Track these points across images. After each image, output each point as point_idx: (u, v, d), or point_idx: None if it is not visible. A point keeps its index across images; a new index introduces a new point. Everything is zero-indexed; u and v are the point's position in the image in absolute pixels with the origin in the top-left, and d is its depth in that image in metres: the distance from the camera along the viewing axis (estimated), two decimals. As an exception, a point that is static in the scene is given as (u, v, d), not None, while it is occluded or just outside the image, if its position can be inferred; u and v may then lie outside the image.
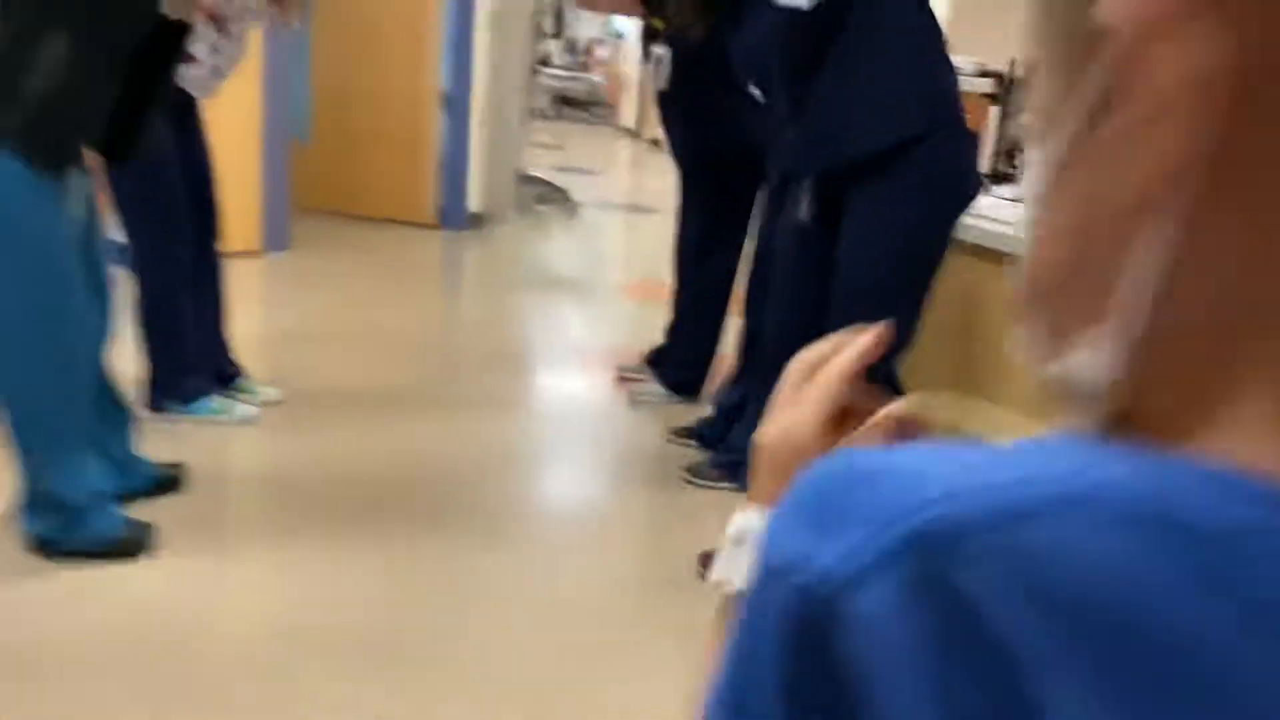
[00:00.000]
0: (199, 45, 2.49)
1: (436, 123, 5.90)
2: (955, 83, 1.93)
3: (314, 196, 5.89)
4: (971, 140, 1.95)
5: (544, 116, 7.60)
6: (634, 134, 14.41)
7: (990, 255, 2.22)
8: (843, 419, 0.53)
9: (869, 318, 1.53)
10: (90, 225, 2.15)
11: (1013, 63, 3.30)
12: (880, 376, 1.89)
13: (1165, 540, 0.25)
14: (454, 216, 6.08)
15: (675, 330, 3.46)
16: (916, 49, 1.85)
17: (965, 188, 1.91)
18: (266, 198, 4.92)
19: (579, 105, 7.00)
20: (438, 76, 5.83)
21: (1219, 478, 0.26)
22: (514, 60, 6.31)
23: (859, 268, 1.90)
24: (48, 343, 2.01)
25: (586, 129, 11.37)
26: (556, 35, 10.35)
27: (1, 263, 1.94)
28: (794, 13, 1.81)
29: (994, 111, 2.97)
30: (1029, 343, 0.33)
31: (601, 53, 17.34)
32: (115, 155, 2.16)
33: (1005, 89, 3.16)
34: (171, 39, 2.14)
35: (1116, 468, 0.27)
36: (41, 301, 1.99)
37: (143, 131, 2.16)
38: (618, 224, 7.37)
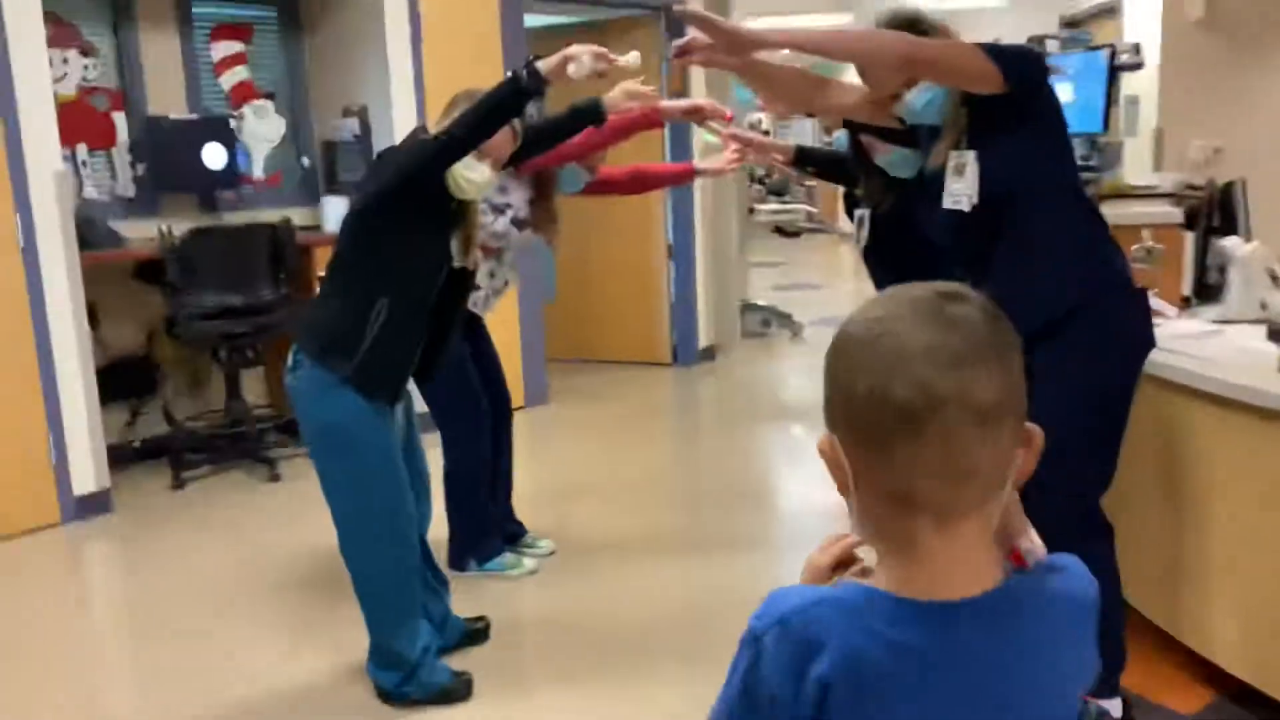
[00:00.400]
0: (480, 274, 3.08)
1: (665, 271, 6.46)
2: (1117, 252, 2.15)
3: (563, 348, 6.57)
4: (1140, 299, 2.15)
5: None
6: (853, 238, 14.60)
7: (1184, 390, 2.38)
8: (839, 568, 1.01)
9: (1066, 467, 1.82)
10: (410, 432, 2.72)
11: (1210, 182, 3.40)
12: (1075, 514, 2.10)
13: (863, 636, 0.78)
14: (687, 352, 6.58)
15: None
16: (1077, 232, 2.09)
17: (1137, 344, 2.12)
18: (525, 358, 5.58)
19: (791, 235, 7.42)
20: (664, 231, 6.41)
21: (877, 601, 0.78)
22: (729, 206, 6.82)
23: (1049, 420, 2.13)
24: (387, 531, 2.55)
25: (808, 240, 11.79)
26: (765, 179, 11.13)
27: (350, 470, 2.51)
28: (959, 213, 2.13)
29: (1190, 236, 3.10)
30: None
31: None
32: (424, 377, 2.73)
33: (1206, 208, 3.27)
34: (461, 280, 2.70)
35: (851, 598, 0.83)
36: (381, 498, 2.54)
37: (444, 355, 2.72)
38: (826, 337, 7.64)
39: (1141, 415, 2.52)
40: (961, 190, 2.09)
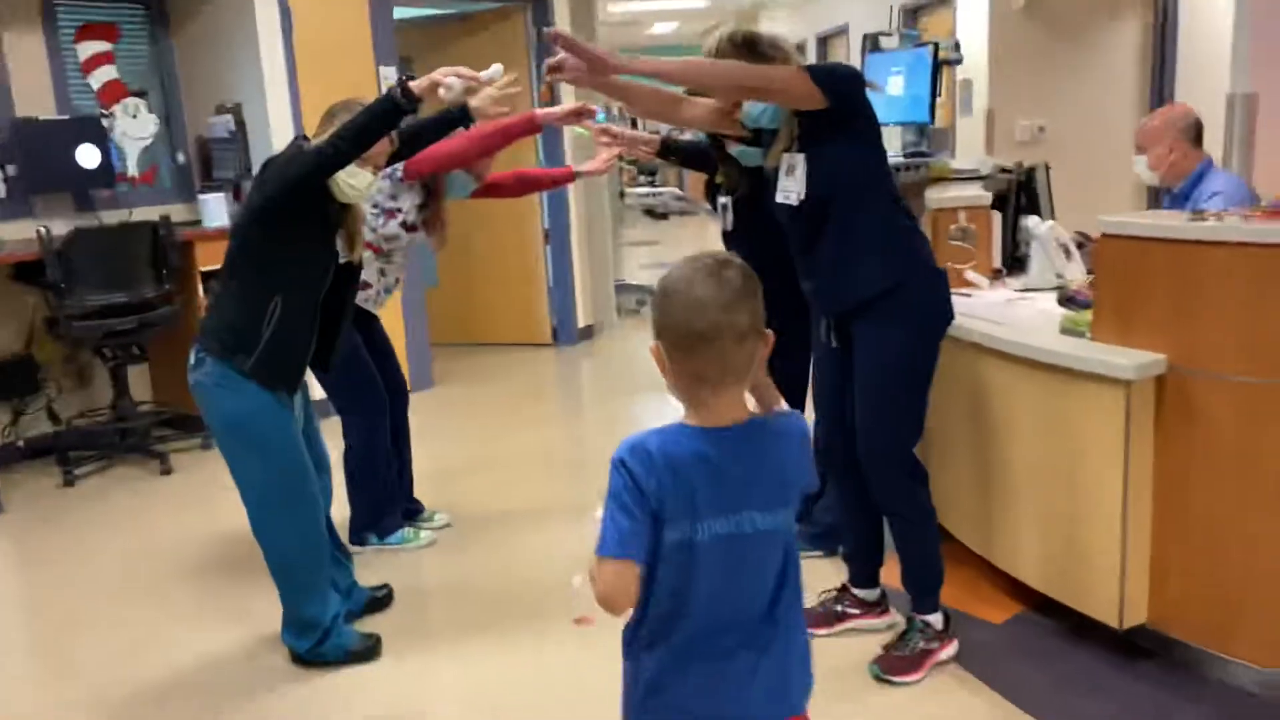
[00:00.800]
0: (369, 272, 3.31)
1: (543, 255, 6.74)
2: (923, 241, 2.55)
3: (447, 332, 6.78)
4: (940, 281, 2.55)
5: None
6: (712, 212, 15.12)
7: (991, 351, 2.81)
8: None
9: (880, 418, 2.23)
10: (308, 418, 2.94)
11: (1018, 166, 3.88)
12: (894, 460, 2.50)
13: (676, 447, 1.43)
14: (566, 332, 6.87)
15: None
16: (887, 227, 2.47)
17: (937, 318, 2.53)
18: (410, 343, 5.78)
19: (661, 216, 7.81)
20: (540, 217, 6.68)
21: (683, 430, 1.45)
22: (601, 191, 7.12)
23: (867, 382, 2.53)
24: (294, 509, 2.77)
25: (677, 221, 12.23)
26: (634, 161, 11.61)
27: (258, 458, 2.72)
28: (790, 205, 2.49)
29: (998, 216, 3.56)
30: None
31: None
32: (321, 366, 2.95)
33: (1014, 191, 3.74)
34: (348, 275, 2.92)
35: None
36: (287, 480, 2.76)
37: (337, 346, 2.94)
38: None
39: (954, 373, 2.96)
40: (791, 187, 2.45)
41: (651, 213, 7.46)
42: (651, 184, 7.84)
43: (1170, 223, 2.38)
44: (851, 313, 2.54)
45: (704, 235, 12.97)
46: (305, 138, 2.82)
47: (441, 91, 2.61)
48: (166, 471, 4.59)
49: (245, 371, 2.60)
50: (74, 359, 5.02)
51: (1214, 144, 3.72)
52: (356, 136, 2.55)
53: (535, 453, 4.73)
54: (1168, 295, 2.38)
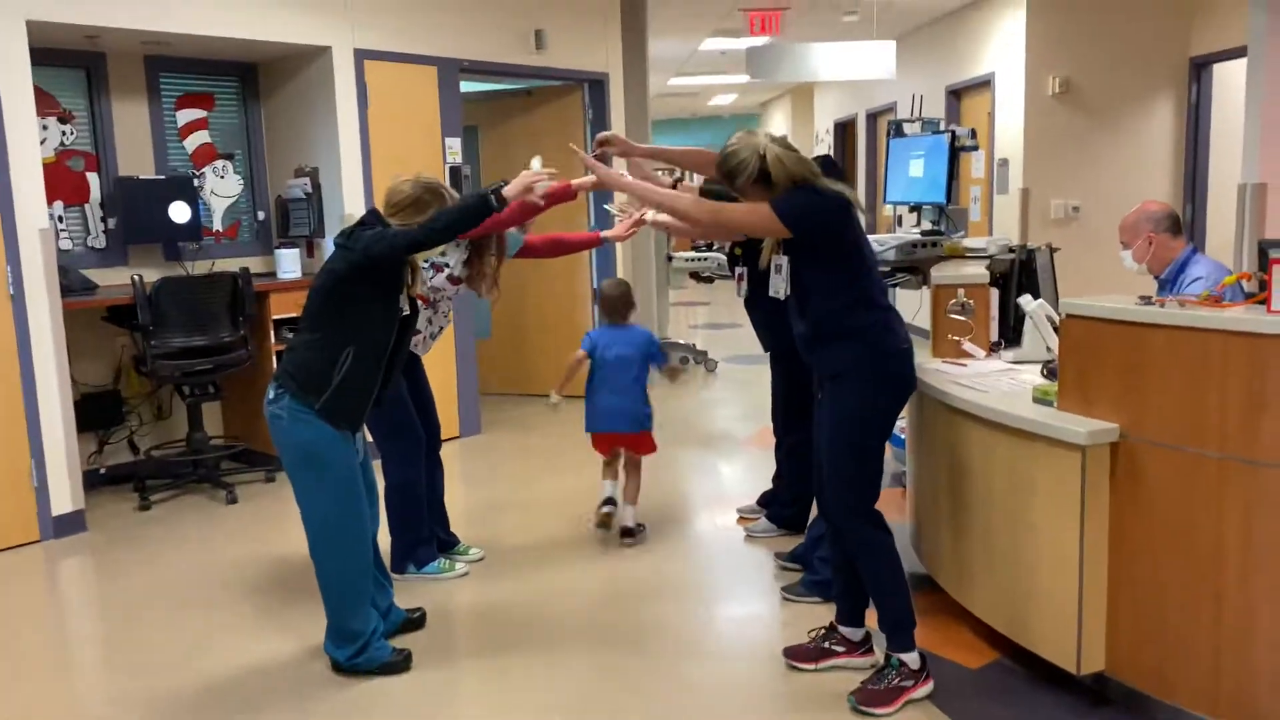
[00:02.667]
0: (419, 320, 3.70)
1: (591, 313, 7.13)
2: (888, 331, 2.86)
3: (498, 383, 7.19)
4: (903, 362, 2.88)
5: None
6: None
7: (972, 419, 3.08)
8: None
9: (837, 473, 2.59)
10: (364, 453, 3.31)
11: (1020, 248, 4.16)
12: (852, 512, 2.80)
13: None
14: (610, 387, 7.22)
15: (779, 476, 4.39)
16: (856, 322, 2.82)
17: (893, 393, 2.89)
18: (460, 392, 6.19)
19: (705, 280, 8.18)
20: (589, 277, 7.09)
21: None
22: (647, 255, 7.52)
23: (826, 440, 2.87)
24: (350, 533, 3.13)
25: (720, 285, 12.63)
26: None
27: (321, 483, 3.09)
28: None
29: (995, 293, 3.84)
30: None
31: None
32: (375, 401, 3.33)
33: (1013, 270, 4.02)
34: (406, 327, 3.31)
35: None
36: (346, 508, 3.13)
37: (389, 388, 3.32)
38: (748, 376, 8.37)
39: (940, 434, 3.24)
40: (779, 284, 2.85)
41: (697, 276, 7.81)
42: (698, 249, 8.27)
43: (1120, 306, 2.66)
44: (825, 376, 2.88)
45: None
46: (378, 213, 3.19)
47: (537, 190, 3.27)
48: (232, 501, 5.01)
49: (316, 409, 2.99)
50: (155, 395, 5.51)
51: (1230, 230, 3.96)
52: (448, 229, 3.01)
53: (569, 496, 5.07)
54: (1119, 371, 2.65)
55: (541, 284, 7.22)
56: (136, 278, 4.82)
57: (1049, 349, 3.59)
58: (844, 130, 11.93)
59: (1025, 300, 3.69)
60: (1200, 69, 7.17)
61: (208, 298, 5.05)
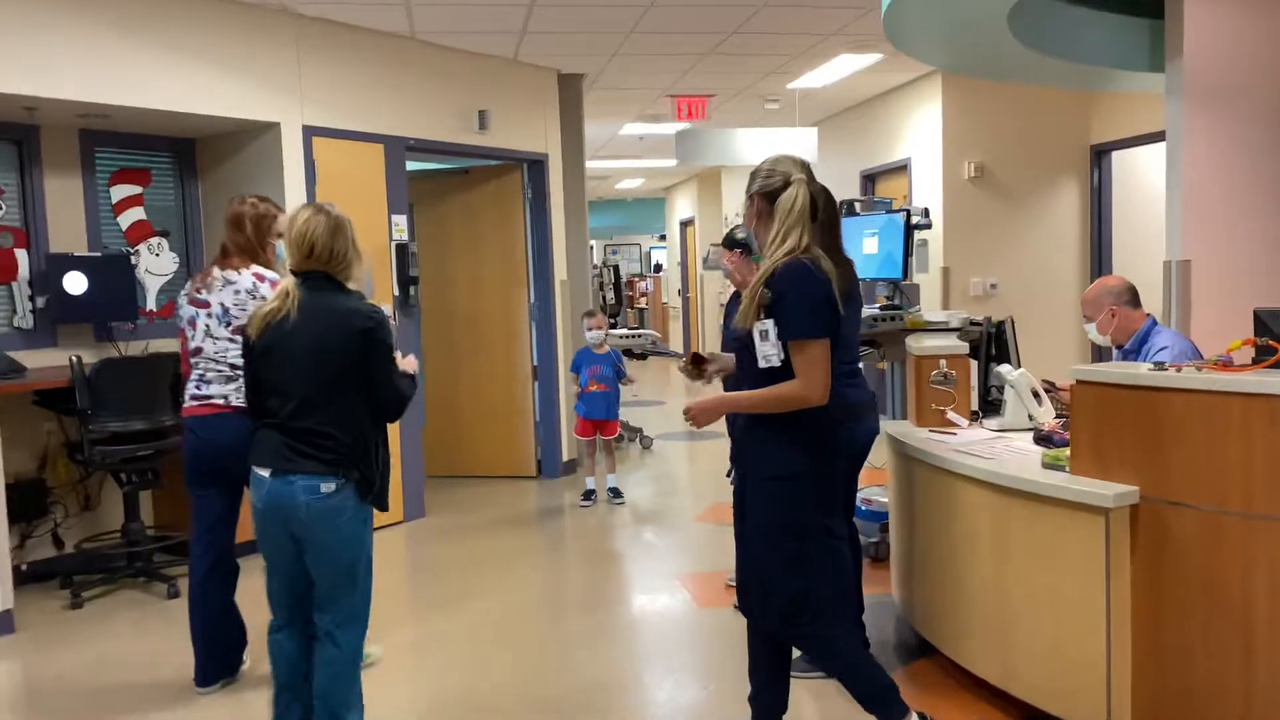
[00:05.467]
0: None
1: (530, 392, 7.05)
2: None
3: (440, 465, 7.00)
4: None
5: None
6: (682, 355, 15.64)
7: (980, 484, 3.15)
8: None
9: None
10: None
11: (987, 320, 4.32)
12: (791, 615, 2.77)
13: None
14: (550, 466, 7.13)
15: None
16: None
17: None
18: (405, 477, 6.00)
19: (639, 357, 8.22)
20: (529, 355, 7.03)
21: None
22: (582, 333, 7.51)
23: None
24: (371, 570, 3.01)
25: (653, 361, 12.80)
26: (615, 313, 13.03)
27: (370, 556, 2.98)
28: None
29: (974, 364, 3.98)
30: None
31: (642, 285, 18.97)
32: None
33: (985, 342, 4.17)
34: None
35: None
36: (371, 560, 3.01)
37: None
38: (683, 453, 8.39)
39: (947, 504, 3.29)
40: (769, 350, 2.73)
41: (630, 354, 7.84)
42: (632, 328, 8.51)
43: (1137, 372, 2.78)
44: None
45: (670, 378, 13.45)
46: (330, 276, 2.93)
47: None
48: (174, 595, 4.69)
49: (371, 499, 2.90)
50: (83, 484, 5.16)
51: (1155, 304, 4.20)
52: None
53: (521, 582, 4.93)
54: (1137, 434, 2.76)
55: (478, 360, 7.13)
56: (75, 359, 4.55)
57: (1031, 417, 3.72)
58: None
59: (1006, 370, 3.83)
60: (1100, 155, 7.68)
61: (147, 379, 4.80)
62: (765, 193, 2.79)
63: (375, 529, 5.64)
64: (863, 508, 4.89)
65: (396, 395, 2.91)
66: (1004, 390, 3.81)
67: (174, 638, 4.19)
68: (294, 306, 2.81)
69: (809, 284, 2.66)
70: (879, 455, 3.76)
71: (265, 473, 2.82)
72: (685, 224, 15.68)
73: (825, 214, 2.79)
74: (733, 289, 4.57)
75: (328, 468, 2.79)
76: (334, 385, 2.81)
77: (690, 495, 6.76)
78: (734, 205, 12.92)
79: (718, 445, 8.21)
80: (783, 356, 2.73)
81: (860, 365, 3.64)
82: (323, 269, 2.86)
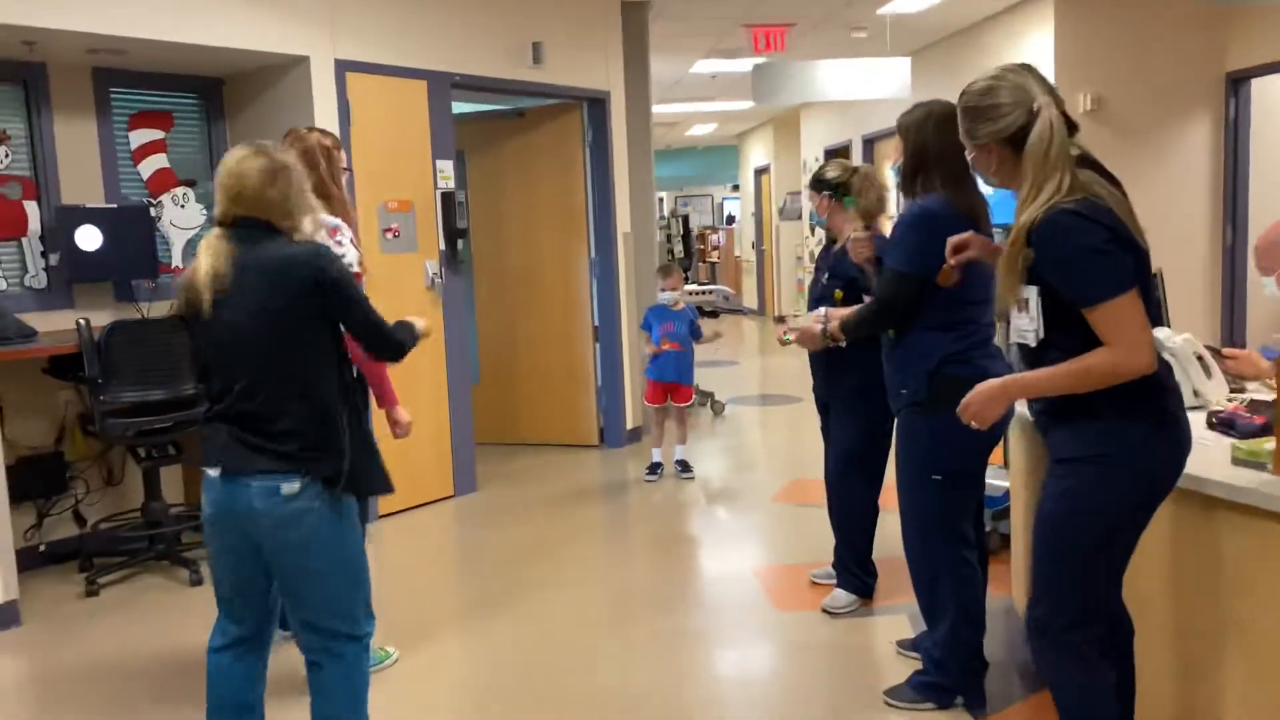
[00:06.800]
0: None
1: (591, 353, 6.48)
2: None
3: (492, 431, 6.50)
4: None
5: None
6: (758, 313, 14.98)
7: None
8: None
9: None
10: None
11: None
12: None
13: None
14: (614, 434, 6.57)
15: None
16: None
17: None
18: (455, 446, 5.49)
19: (710, 314, 7.57)
20: (590, 313, 6.44)
21: None
22: (650, 290, 6.89)
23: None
24: (361, 574, 2.48)
25: (729, 319, 12.19)
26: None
27: (358, 554, 2.44)
28: None
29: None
30: None
31: (714, 238, 18.26)
32: None
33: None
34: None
35: None
36: (362, 558, 2.48)
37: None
38: (758, 419, 7.76)
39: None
40: (1025, 324, 2.11)
41: (701, 310, 7.21)
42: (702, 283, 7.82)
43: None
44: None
45: (744, 336, 12.78)
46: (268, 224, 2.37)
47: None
48: (197, 581, 4.26)
49: (344, 485, 2.34)
50: (105, 458, 4.75)
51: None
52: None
53: (582, 570, 4.39)
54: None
55: (534, 320, 6.58)
56: (82, 322, 4.09)
57: (1197, 393, 3.01)
58: (835, 157, 11.46)
59: (1164, 334, 3.10)
60: (1237, 84, 6.75)
61: (167, 344, 4.33)
62: (1005, 136, 2.10)
63: (422, 505, 5.18)
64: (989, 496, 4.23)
65: (383, 335, 2.42)
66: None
67: (194, 630, 3.75)
68: (223, 264, 2.26)
69: (1085, 232, 1.97)
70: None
71: (214, 473, 2.29)
72: (760, 172, 14.88)
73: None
74: (824, 237, 3.92)
75: (287, 464, 2.25)
76: (284, 356, 2.26)
77: (766, 469, 6.13)
78: (813, 150, 12.09)
79: (796, 410, 7.57)
80: (1042, 334, 2.07)
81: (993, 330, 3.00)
82: (257, 216, 2.30)
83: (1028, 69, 2.14)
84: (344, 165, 3.29)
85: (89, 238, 4.57)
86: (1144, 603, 2.54)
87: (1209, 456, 2.45)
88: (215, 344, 2.29)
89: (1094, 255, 1.97)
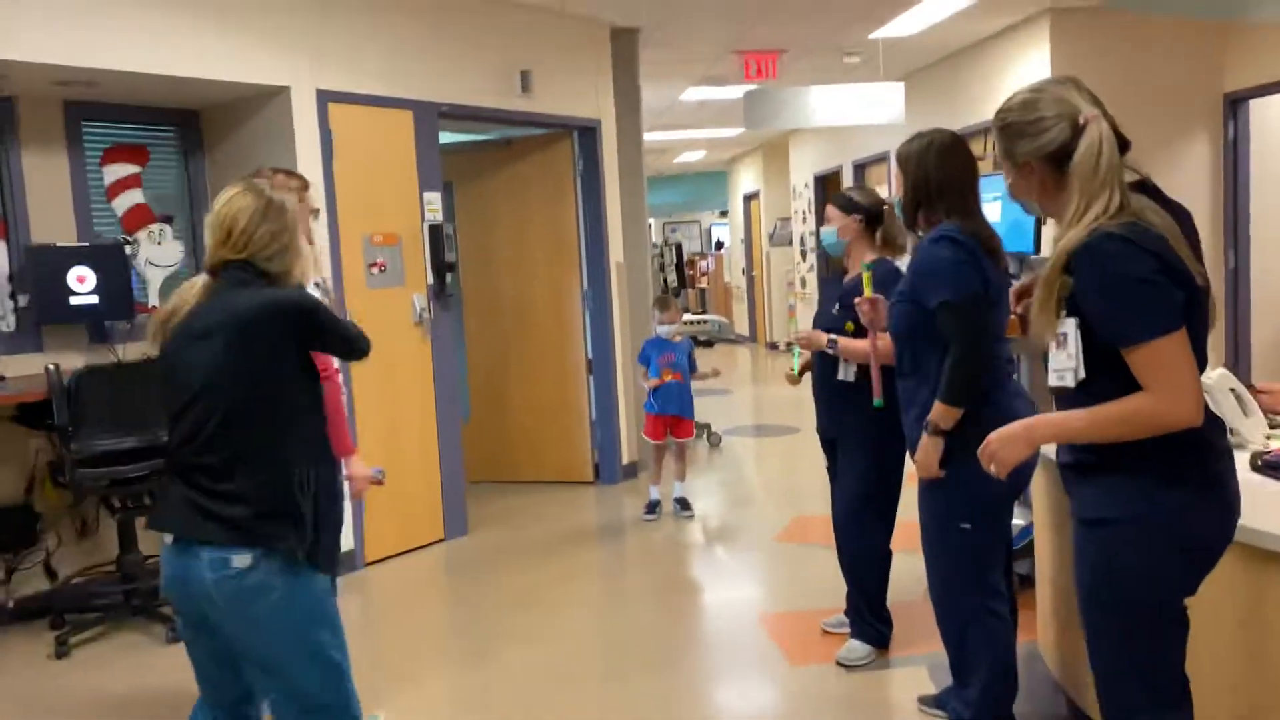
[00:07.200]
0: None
1: (585, 386, 6.29)
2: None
3: (483, 469, 6.29)
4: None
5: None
6: (749, 340, 14.82)
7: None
8: None
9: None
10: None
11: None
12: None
13: None
14: (609, 470, 6.37)
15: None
16: None
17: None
18: (445, 487, 5.28)
19: (707, 344, 7.40)
20: (583, 346, 6.26)
21: None
22: (646, 321, 6.72)
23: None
24: (337, 655, 2.22)
25: (725, 349, 12.00)
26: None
27: (331, 638, 2.19)
28: None
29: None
30: None
31: (703, 264, 18.13)
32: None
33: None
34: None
35: None
36: (337, 642, 2.23)
37: None
38: (755, 451, 7.58)
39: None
40: (1064, 362, 1.88)
41: (696, 340, 7.04)
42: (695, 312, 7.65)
43: None
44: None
45: (736, 363, 12.60)
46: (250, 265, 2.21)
47: None
48: (174, 639, 4.03)
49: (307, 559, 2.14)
50: (78, 508, 4.53)
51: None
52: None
53: (577, 622, 4.18)
54: None
55: (526, 354, 6.39)
56: (51, 367, 3.89)
57: (1233, 431, 2.84)
58: (824, 184, 11.34)
59: (1195, 370, 2.95)
60: (1236, 105, 6.65)
61: (139, 389, 4.12)
62: (1047, 153, 1.91)
63: (414, 550, 4.95)
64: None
65: (355, 341, 2.32)
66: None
67: (172, 691, 3.53)
68: (192, 305, 2.10)
69: (1130, 260, 1.76)
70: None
71: (169, 539, 2.09)
72: (749, 198, 14.77)
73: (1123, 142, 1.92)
74: (815, 263, 3.75)
75: (238, 535, 2.03)
76: (252, 403, 2.06)
77: (767, 505, 5.94)
78: (803, 176, 11.99)
79: (794, 442, 7.39)
80: (1082, 374, 1.85)
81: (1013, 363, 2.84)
82: (246, 258, 2.12)
83: (1071, 81, 1.96)
84: (314, 207, 3.10)
85: (63, 278, 4.37)
86: (1196, 656, 2.35)
87: (1259, 503, 2.27)
88: (175, 390, 2.10)
89: (1138, 287, 1.76)
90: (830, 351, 3.36)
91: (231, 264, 2.11)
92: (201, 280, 2.15)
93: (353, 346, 2.32)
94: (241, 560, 2.02)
